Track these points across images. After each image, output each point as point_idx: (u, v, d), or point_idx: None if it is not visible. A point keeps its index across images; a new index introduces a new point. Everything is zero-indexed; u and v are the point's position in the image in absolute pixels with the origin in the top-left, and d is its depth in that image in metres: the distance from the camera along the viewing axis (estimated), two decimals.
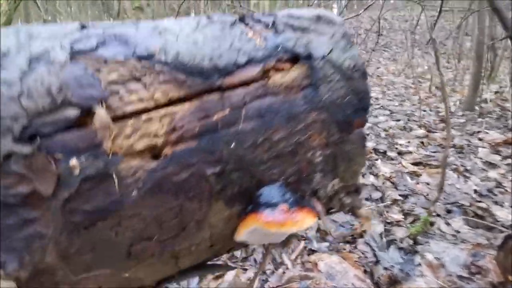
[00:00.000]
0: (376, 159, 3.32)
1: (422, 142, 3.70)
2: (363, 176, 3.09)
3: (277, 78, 0.68)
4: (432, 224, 2.46)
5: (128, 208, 0.57)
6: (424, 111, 4.32)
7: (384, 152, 3.49)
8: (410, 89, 5.34)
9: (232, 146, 0.63)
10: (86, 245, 0.55)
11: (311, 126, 0.70)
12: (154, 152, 0.60)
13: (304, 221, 0.66)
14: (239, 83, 0.65)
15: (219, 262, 0.79)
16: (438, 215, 2.54)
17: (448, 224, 2.35)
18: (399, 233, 2.43)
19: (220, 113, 0.63)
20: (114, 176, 0.55)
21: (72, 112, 0.52)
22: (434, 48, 2.12)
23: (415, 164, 3.27)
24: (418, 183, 2.98)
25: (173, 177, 0.59)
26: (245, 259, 2.09)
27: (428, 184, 2.96)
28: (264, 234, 0.67)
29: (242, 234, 0.69)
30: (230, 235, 0.71)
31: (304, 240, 2.32)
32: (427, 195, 2.82)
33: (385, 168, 3.17)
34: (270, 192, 0.68)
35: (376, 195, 2.84)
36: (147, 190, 0.58)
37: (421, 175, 3.10)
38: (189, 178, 0.61)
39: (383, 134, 3.88)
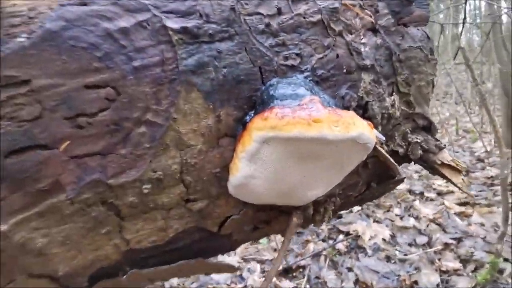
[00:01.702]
0: (414, 200, 2.87)
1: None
2: (401, 219, 2.63)
3: None
4: (501, 271, 1.94)
5: (9, 61, 0.28)
6: (457, 152, 3.94)
7: (421, 193, 3.04)
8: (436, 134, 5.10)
9: None
10: None
11: None
12: None
13: (354, 123, 0.34)
14: None
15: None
16: (506, 260, 2.01)
17: None
18: (461, 283, 1.92)
19: None
20: None
21: None
22: (464, 57, 1.89)
23: (461, 204, 2.79)
24: (470, 224, 2.48)
25: (100, 22, 0.32)
26: None
27: (482, 225, 2.46)
28: (282, 156, 0.35)
29: (241, 164, 0.37)
30: (221, 175, 0.39)
31: None
32: (485, 237, 2.31)
33: (426, 209, 2.71)
34: (289, 83, 0.38)
35: (422, 239, 2.35)
36: (46, 35, 0.30)
37: (471, 215, 2.61)
38: (131, 28, 0.33)
39: (415, 175, 3.45)
